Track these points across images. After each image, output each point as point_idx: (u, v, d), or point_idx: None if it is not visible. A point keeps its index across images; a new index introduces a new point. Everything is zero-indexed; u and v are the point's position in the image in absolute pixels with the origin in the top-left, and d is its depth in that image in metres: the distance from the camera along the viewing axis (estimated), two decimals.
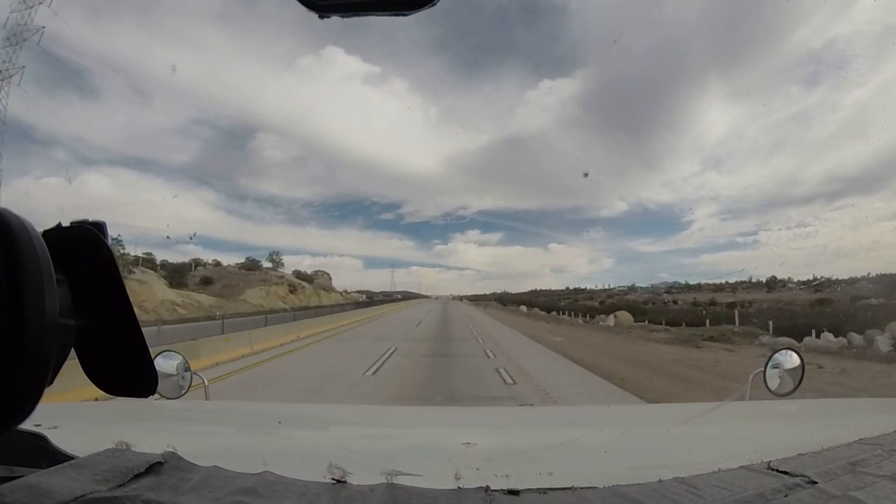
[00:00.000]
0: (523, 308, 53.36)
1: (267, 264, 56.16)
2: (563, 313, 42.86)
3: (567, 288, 72.45)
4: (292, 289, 53.02)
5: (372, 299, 64.26)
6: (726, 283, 53.53)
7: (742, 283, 52.47)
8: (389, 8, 0.56)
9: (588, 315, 37.98)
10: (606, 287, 65.43)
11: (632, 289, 60.14)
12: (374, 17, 0.57)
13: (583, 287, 70.09)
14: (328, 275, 68.08)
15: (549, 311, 46.50)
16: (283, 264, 58.83)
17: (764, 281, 51.08)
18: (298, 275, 59.02)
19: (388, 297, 69.01)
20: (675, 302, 47.15)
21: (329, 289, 63.53)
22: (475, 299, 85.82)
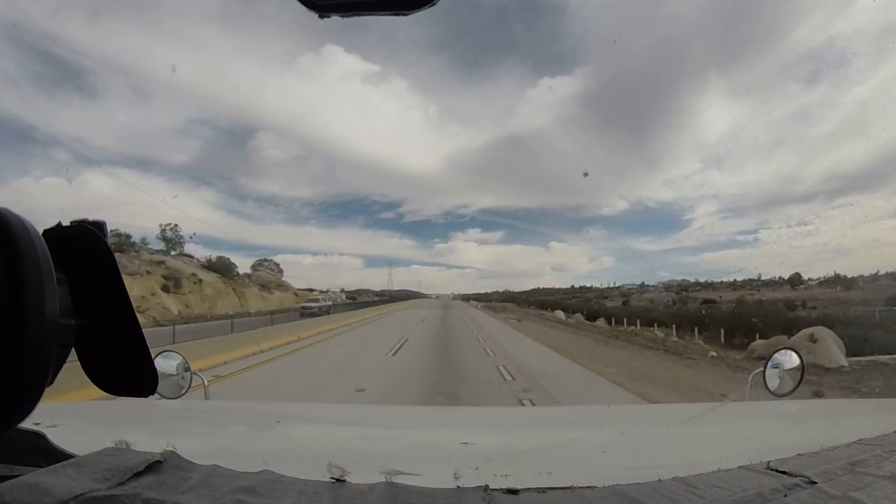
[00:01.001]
0: (559, 314, 37.49)
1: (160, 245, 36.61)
2: (624, 323, 28.48)
3: (572, 286, 68.24)
4: (170, 284, 31.14)
5: (354, 300, 50.22)
6: (736, 280, 49.93)
7: (753, 280, 48.92)
8: (389, 8, 0.56)
9: (698, 328, 21.22)
10: (613, 285, 61.13)
11: (643, 287, 55.36)
12: (374, 16, 0.57)
13: (588, 285, 65.89)
14: (276, 266, 50.49)
15: (592, 319, 32.65)
16: (182, 244, 38.38)
17: (778, 278, 47.44)
18: (211, 264, 37.86)
19: (355, 301, 48.58)
20: (709, 301, 39.30)
21: (273, 286, 44.73)
22: (480, 299, 79.29)
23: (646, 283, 55.86)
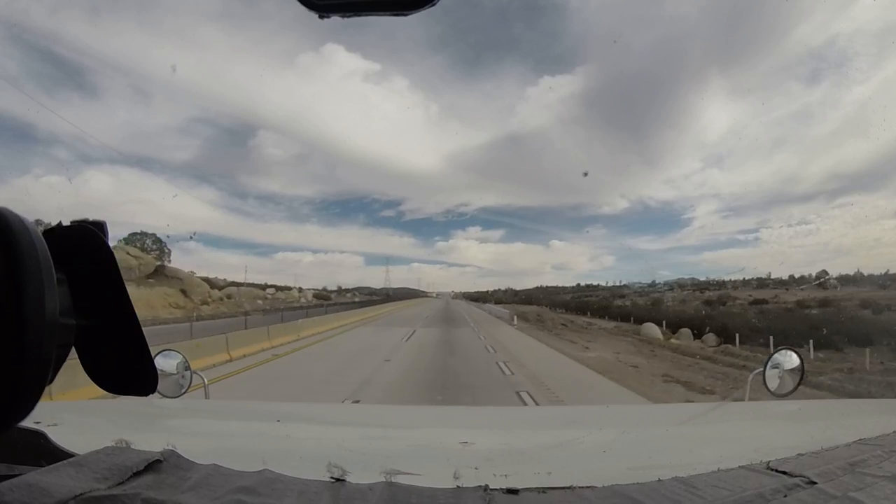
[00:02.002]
0: (652, 330, 22.63)
1: None
2: (770, 343, 14.90)
3: (578, 285, 64.49)
4: None
5: (328, 300, 43.63)
6: (745, 279, 46.02)
7: (765, 279, 45.09)
8: (389, 8, 0.56)
9: None
10: (618, 283, 57.54)
11: (654, 286, 51.80)
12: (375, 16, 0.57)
13: (594, 283, 62.18)
14: (159, 245, 32.84)
15: (698, 336, 20.65)
16: None
17: (788, 277, 42.89)
18: None
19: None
20: (759, 302, 32.43)
21: (136, 277, 28.10)
22: (484, 298, 71.23)
23: (656, 282, 52.86)
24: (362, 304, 39.97)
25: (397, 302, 53.80)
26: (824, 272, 39.51)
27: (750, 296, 38.07)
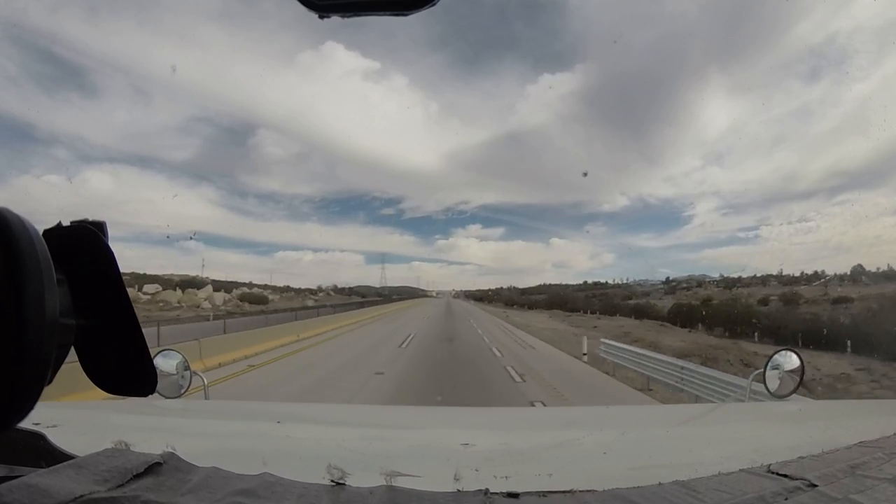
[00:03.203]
0: None
1: None
2: None
3: (585, 282, 61.51)
4: None
5: (263, 303, 30.82)
6: (756, 276, 42.33)
7: (780, 276, 41.60)
8: (389, 8, 0.56)
9: None
10: (625, 281, 54.99)
11: (668, 283, 49.01)
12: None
13: (601, 281, 59.29)
14: None
15: None
16: None
17: (801, 273, 39.78)
18: None
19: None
20: (844, 301, 25.96)
21: None
22: (487, 297, 65.46)
23: (669, 279, 50.51)
24: (320, 311, 25.74)
25: (384, 305, 41.56)
26: (860, 266, 34.93)
27: (794, 291, 34.07)
